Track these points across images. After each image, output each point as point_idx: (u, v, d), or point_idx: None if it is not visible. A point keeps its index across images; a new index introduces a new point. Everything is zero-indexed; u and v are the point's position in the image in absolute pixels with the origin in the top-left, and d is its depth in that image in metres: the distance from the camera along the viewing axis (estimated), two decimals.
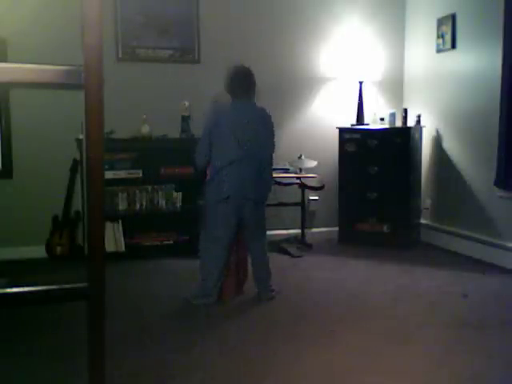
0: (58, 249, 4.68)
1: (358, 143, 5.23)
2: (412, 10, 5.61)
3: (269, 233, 5.19)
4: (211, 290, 3.56)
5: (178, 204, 4.98)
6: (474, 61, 4.76)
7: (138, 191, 4.90)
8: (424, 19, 5.40)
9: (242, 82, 3.65)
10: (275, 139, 3.74)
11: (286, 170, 5.21)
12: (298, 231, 5.33)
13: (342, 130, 5.33)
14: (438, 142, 5.28)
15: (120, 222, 4.78)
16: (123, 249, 4.75)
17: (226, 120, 3.55)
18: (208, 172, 3.64)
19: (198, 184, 3.78)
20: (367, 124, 5.43)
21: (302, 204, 5.29)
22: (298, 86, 5.46)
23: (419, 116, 5.27)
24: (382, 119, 5.36)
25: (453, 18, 4.95)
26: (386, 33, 5.65)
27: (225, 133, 3.51)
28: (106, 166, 4.61)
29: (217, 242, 3.56)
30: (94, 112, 1.02)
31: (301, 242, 5.23)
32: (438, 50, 5.17)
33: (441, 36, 5.11)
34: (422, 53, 5.46)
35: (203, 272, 3.62)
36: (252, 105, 3.66)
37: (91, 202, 1.06)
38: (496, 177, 4.42)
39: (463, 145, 4.96)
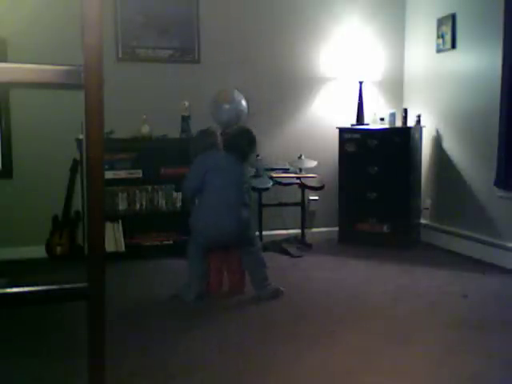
0: (58, 249, 4.68)
1: (358, 143, 5.23)
2: (412, 10, 5.61)
3: (269, 233, 5.24)
4: (191, 289, 3.64)
5: (178, 204, 4.97)
6: (474, 61, 4.76)
7: (138, 191, 4.90)
8: (424, 19, 5.40)
9: (246, 146, 3.79)
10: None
11: (286, 170, 5.21)
12: (298, 231, 5.33)
13: (342, 130, 5.33)
14: (438, 142, 5.28)
15: (120, 221, 4.78)
16: (123, 249, 4.75)
17: (218, 168, 3.67)
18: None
19: None
20: (367, 124, 5.43)
21: (302, 204, 5.29)
22: (298, 85, 5.46)
23: (419, 116, 5.27)
24: (382, 119, 5.36)
25: (453, 18, 4.95)
26: (385, 33, 5.65)
27: (214, 178, 3.63)
28: (106, 166, 4.61)
29: (195, 242, 3.69)
30: (94, 112, 1.02)
31: (301, 242, 5.22)
32: (438, 50, 5.17)
33: (441, 36, 5.11)
34: (421, 53, 5.46)
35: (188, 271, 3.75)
36: (239, 162, 3.75)
37: (91, 202, 1.06)
38: (496, 177, 4.42)
39: (463, 145, 4.96)
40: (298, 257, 4.84)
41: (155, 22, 5.02)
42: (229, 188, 3.62)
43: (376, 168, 5.16)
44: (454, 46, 4.97)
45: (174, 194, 4.97)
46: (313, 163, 5.28)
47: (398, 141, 5.09)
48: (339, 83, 5.54)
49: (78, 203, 4.82)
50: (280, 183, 5.05)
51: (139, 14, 4.98)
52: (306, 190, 5.28)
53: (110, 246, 4.64)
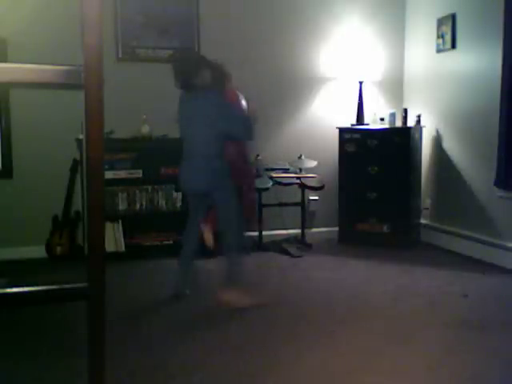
0: (58, 249, 4.68)
1: (358, 143, 5.23)
2: (412, 10, 5.61)
3: (269, 233, 5.24)
4: (173, 284, 3.73)
5: (178, 204, 4.98)
6: (474, 61, 4.76)
7: (137, 191, 4.90)
8: (424, 19, 5.40)
9: (179, 72, 3.71)
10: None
11: (286, 170, 5.21)
12: (298, 231, 5.33)
13: (342, 130, 5.33)
14: (438, 142, 5.28)
15: (120, 221, 4.79)
16: (123, 249, 4.75)
17: (180, 112, 3.70)
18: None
19: None
20: (367, 124, 5.43)
21: (302, 204, 5.29)
22: (298, 85, 5.46)
23: (419, 116, 5.27)
24: (382, 119, 5.36)
25: (453, 18, 4.95)
26: (386, 33, 5.65)
27: (181, 125, 3.70)
28: (106, 166, 4.61)
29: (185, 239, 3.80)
30: (94, 112, 1.02)
31: (301, 242, 5.23)
32: (438, 50, 5.17)
33: (441, 36, 5.11)
34: (421, 53, 5.46)
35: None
36: (201, 93, 3.59)
37: (91, 201, 1.05)
38: (496, 177, 4.42)
39: (463, 145, 4.96)
40: (298, 257, 4.84)
41: (155, 21, 5.02)
42: (196, 133, 3.55)
43: (376, 168, 5.16)
44: (454, 46, 4.97)
45: (174, 193, 4.97)
46: (313, 163, 5.28)
47: (398, 141, 5.09)
48: (339, 83, 5.54)
49: (78, 203, 4.81)
50: (280, 183, 5.05)
51: (139, 14, 4.98)
52: (306, 190, 5.28)
53: (110, 246, 4.65)
